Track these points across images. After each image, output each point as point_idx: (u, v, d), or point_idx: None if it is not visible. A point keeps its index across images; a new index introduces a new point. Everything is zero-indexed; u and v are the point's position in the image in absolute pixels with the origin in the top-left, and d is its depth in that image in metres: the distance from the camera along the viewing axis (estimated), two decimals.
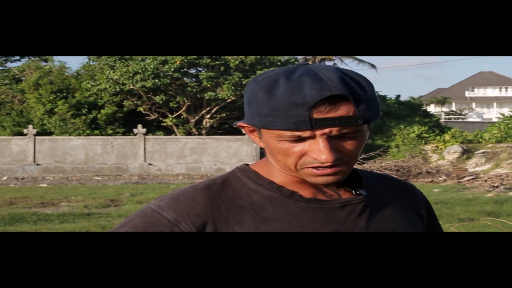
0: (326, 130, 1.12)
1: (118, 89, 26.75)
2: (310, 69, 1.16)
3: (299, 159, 1.16)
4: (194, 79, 28.08)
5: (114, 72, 26.43)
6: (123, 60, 26.72)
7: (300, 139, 1.14)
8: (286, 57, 29.37)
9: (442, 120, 42.49)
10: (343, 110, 1.12)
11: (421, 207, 1.39)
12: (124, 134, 26.89)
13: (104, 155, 25.13)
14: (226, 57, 26.68)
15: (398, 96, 36.85)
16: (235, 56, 26.54)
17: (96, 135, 26.60)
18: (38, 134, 25.43)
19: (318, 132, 1.12)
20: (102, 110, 27.45)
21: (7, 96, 32.09)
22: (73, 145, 25.10)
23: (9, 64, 39.47)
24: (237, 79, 26.34)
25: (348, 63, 38.61)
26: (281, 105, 1.11)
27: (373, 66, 38.03)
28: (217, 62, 26.73)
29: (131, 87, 26.37)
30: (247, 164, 1.30)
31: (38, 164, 24.62)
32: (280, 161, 1.20)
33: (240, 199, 1.22)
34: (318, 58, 35.80)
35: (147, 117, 27.87)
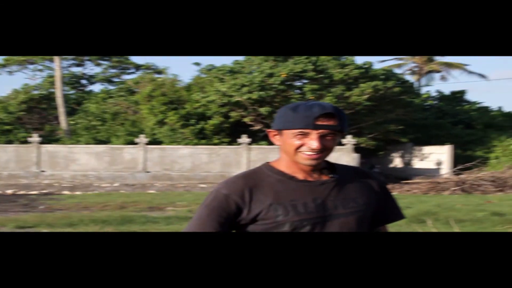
0: (320, 131, 2.06)
1: (225, 101, 27.41)
2: (318, 101, 2.10)
3: (300, 146, 2.09)
4: (298, 91, 28.41)
5: (223, 84, 27.21)
6: (232, 73, 27.49)
7: (304, 135, 2.08)
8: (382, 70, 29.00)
9: None
10: (331, 122, 2.07)
11: (375, 186, 2.28)
12: (229, 143, 27.55)
13: (210, 163, 25.74)
14: (330, 70, 26.91)
15: (500, 108, 36.79)
16: (339, 70, 26.72)
17: (203, 144, 27.44)
18: (149, 143, 26.35)
19: (314, 132, 2.06)
20: (209, 120, 28.12)
21: (122, 107, 33.57)
22: (181, 154, 25.84)
23: (124, 77, 41.41)
24: (340, 92, 26.47)
25: (457, 75, 39.30)
26: (299, 116, 2.07)
27: (483, 76, 40.42)
28: (322, 75, 26.98)
29: (238, 99, 27.00)
30: (268, 162, 2.23)
31: (147, 172, 25.58)
32: (288, 150, 2.13)
33: (262, 181, 2.16)
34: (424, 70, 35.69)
35: (251, 128, 28.46)
